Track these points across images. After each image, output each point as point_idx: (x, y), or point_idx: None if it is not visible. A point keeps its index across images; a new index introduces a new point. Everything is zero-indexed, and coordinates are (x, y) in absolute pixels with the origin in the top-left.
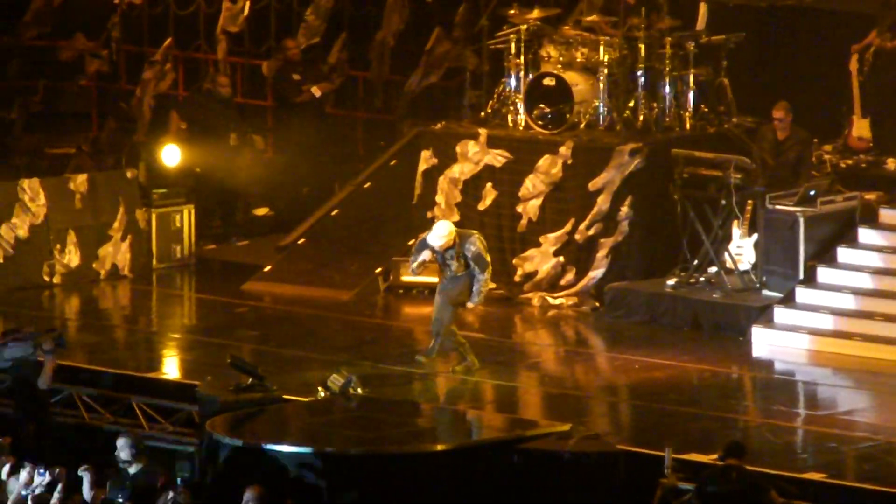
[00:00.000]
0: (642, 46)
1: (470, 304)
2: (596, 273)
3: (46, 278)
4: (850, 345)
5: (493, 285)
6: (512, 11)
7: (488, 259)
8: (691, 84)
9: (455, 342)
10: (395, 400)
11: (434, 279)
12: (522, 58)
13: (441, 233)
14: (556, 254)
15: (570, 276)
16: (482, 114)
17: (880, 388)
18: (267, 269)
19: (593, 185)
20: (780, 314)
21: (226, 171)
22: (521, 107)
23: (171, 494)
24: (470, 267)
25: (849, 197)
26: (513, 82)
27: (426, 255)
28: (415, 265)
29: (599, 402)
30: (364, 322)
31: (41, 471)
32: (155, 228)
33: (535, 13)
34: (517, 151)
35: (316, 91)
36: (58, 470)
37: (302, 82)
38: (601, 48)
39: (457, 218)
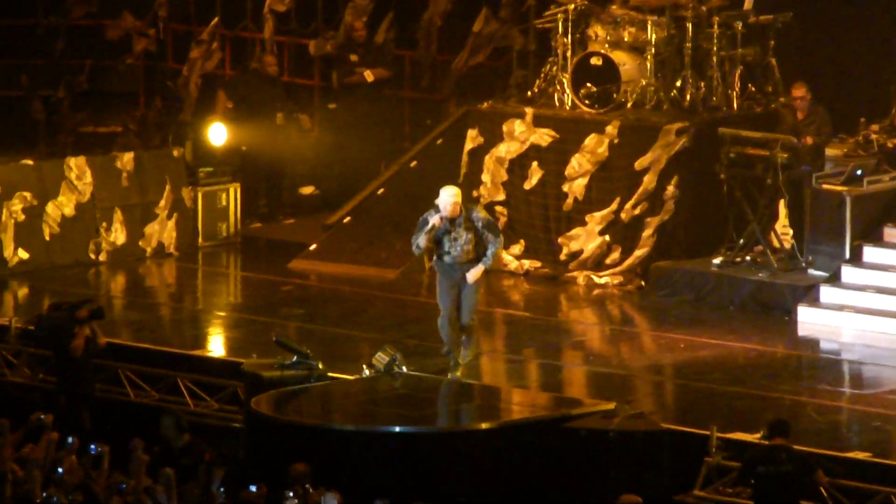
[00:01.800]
0: (690, 26)
1: (476, 271)
2: (641, 252)
3: (93, 256)
4: None
5: (538, 263)
6: None
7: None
8: (739, 64)
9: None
10: (440, 378)
11: None
12: (569, 37)
13: (452, 192)
14: (601, 233)
15: (615, 255)
16: (529, 93)
17: None
18: (313, 247)
19: (639, 164)
20: (826, 293)
21: (272, 149)
22: (567, 86)
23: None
24: (481, 236)
25: None
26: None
27: (434, 220)
28: (420, 240)
29: (644, 381)
30: (409, 300)
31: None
32: (201, 207)
33: None
34: (563, 131)
35: (368, 76)
36: (99, 448)
37: (357, 64)
38: (649, 27)
39: (503, 197)
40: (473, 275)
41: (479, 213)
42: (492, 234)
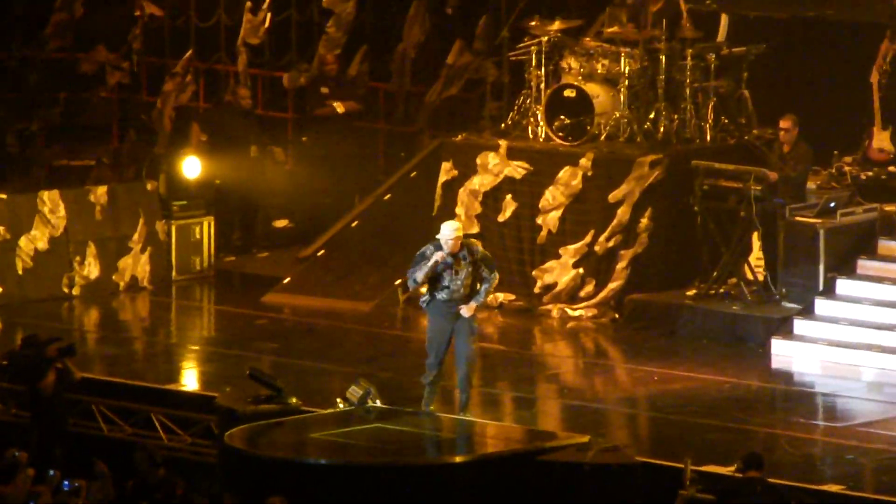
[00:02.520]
0: (663, 58)
1: (473, 304)
2: (615, 285)
3: (66, 290)
4: (870, 356)
5: (511, 296)
6: (533, 23)
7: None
8: (712, 96)
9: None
10: (414, 411)
11: None
12: (543, 69)
13: (454, 227)
14: (575, 265)
15: (589, 288)
16: (503, 125)
17: None
18: (286, 280)
19: (613, 196)
20: (800, 326)
21: (246, 182)
22: (541, 118)
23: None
24: (478, 270)
25: (869, 209)
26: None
27: (437, 256)
28: (418, 275)
29: (618, 414)
30: (383, 334)
31: (65, 483)
32: (175, 240)
33: (556, 25)
34: (537, 163)
35: (339, 108)
36: (77, 483)
37: (328, 97)
38: (622, 59)
39: (477, 230)
40: (469, 308)
41: (478, 248)
42: (487, 269)
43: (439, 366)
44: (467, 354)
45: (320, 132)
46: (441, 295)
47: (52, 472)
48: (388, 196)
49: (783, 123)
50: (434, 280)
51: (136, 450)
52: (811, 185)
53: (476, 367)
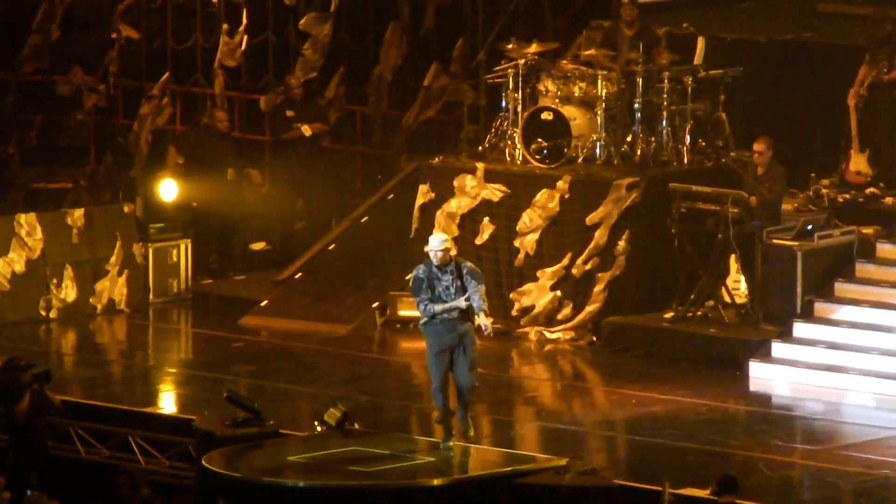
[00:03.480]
0: (640, 81)
1: (487, 319)
2: (593, 307)
3: (43, 313)
4: (848, 379)
5: (489, 319)
6: (510, 46)
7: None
8: (689, 118)
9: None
10: (392, 434)
11: None
12: (520, 92)
13: (440, 238)
14: (553, 288)
15: (567, 311)
16: (480, 148)
17: (877, 423)
18: (264, 303)
19: (591, 219)
20: (778, 348)
21: (223, 205)
22: (518, 141)
23: None
24: (466, 283)
25: (846, 231)
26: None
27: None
28: (437, 307)
29: (596, 437)
30: (361, 356)
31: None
32: (152, 263)
33: (533, 47)
34: (515, 186)
35: (306, 130)
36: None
37: (294, 119)
38: (599, 82)
39: (454, 252)
40: (487, 321)
41: (466, 263)
42: (475, 279)
43: (444, 391)
44: (468, 385)
45: (292, 155)
46: (437, 308)
47: (29, 492)
48: (365, 219)
49: (757, 146)
50: (430, 292)
51: (118, 473)
52: (788, 207)
53: (475, 396)
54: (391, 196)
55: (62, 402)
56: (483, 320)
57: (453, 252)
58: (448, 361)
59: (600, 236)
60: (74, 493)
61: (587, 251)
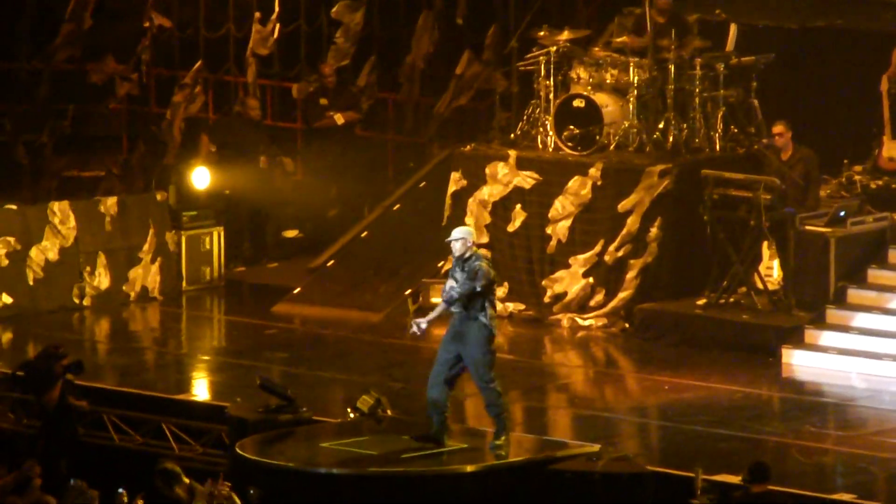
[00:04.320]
0: (672, 67)
1: (420, 320)
2: (625, 294)
3: (76, 301)
4: (881, 365)
5: (521, 306)
6: (542, 33)
7: (489, 276)
8: (721, 105)
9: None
10: (425, 421)
11: None
12: (552, 79)
13: (459, 229)
14: (585, 275)
15: (599, 298)
16: (512, 135)
17: None
18: (297, 290)
19: (623, 206)
20: (811, 335)
21: (255, 193)
22: (550, 128)
23: None
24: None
25: (879, 218)
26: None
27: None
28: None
29: (629, 424)
30: (393, 344)
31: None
32: (185, 251)
33: (565, 35)
34: (547, 173)
35: (339, 118)
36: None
37: (328, 108)
38: (631, 69)
39: (486, 240)
40: (418, 325)
41: (477, 263)
42: (470, 279)
43: (432, 390)
44: (472, 364)
45: (325, 143)
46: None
47: (73, 480)
48: (398, 206)
49: (776, 129)
50: None
51: (156, 472)
52: (821, 193)
53: (496, 401)
54: (423, 184)
55: (94, 389)
56: (422, 319)
57: (476, 248)
58: (445, 360)
59: (632, 223)
60: (108, 480)
61: (619, 238)
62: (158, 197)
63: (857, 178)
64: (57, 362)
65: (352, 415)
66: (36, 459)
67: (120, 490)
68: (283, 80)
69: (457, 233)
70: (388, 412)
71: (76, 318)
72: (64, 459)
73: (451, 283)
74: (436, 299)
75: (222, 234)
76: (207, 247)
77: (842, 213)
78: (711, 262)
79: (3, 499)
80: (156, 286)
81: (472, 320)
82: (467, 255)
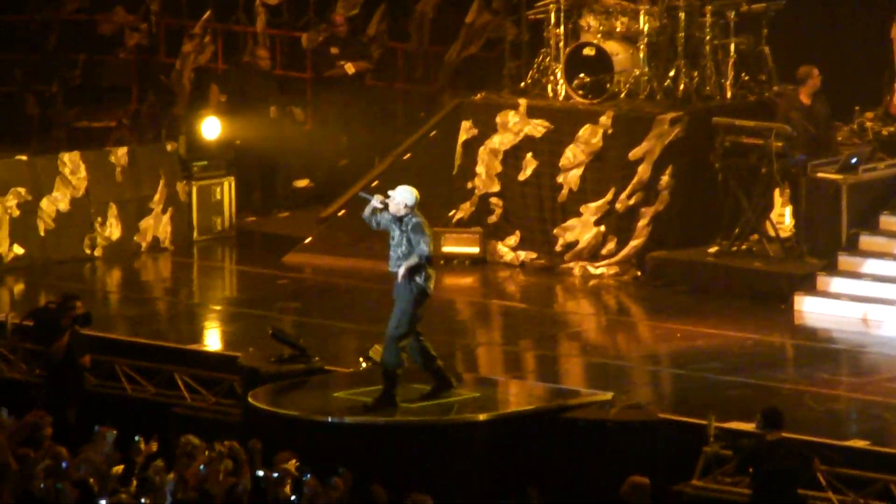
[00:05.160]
0: (682, 15)
1: (402, 268)
2: (637, 242)
3: (88, 251)
4: (893, 311)
5: (533, 255)
6: None
7: (427, 237)
8: (732, 52)
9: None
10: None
11: (468, 248)
12: (562, 28)
13: (396, 191)
14: (596, 223)
15: (611, 246)
16: (522, 84)
17: None
18: (307, 240)
19: (634, 154)
20: (823, 281)
21: (265, 143)
22: (560, 77)
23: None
24: (410, 243)
25: (891, 164)
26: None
27: (375, 200)
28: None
29: (641, 371)
30: None
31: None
32: (195, 201)
33: None
34: (557, 121)
35: (349, 68)
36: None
37: (338, 57)
38: (641, 17)
39: (497, 188)
40: (401, 273)
41: (414, 219)
42: (414, 237)
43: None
44: (385, 348)
45: (335, 93)
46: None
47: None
48: (409, 156)
49: (812, 72)
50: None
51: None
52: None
53: (393, 362)
54: (434, 133)
55: (106, 340)
56: (400, 271)
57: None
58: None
59: (643, 171)
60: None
61: (630, 186)
62: (169, 147)
63: (868, 124)
64: (66, 314)
65: (364, 364)
66: (41, 409)
67: (136, 438)
68: (293, 29)
69: (408, 197)
70: None
71: (87, 269)
72: (72, 409)
73: (394, 245)
74: (447, 248)
75: (233, 183)
76: (218, 197)
77: (854, 160)
78: (723, 209)
79: (15, 450)
80: (167, 236)
81: (402, 280)
82: (403, 214)
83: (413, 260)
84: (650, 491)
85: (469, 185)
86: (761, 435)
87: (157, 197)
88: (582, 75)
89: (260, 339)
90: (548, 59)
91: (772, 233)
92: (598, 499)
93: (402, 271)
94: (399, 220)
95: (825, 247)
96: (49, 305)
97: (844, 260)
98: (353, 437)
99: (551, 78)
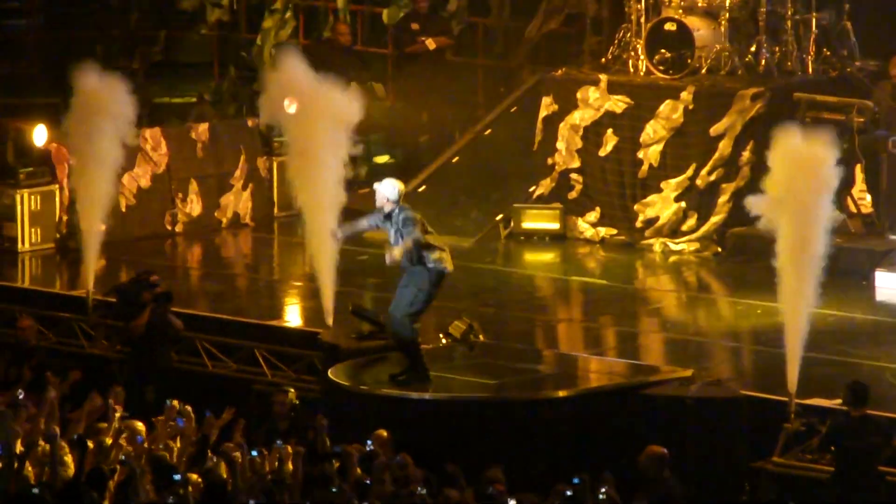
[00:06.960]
0: None
1: (395, 252)
2: (718, 218)
3: (168, 227)
4: None
5: (613, 231)
6: None
7: (416, 231)
8: (813, 27)
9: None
10: (517, 346)
11: (548, 224)
12: (643, 3)
13: (397, 189)
14: (677, 199)
15: (691, 222)
16: (602, 60)
17: None
18: None
19: (715, 130)
20: None
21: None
22: (641, 52)
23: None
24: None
25: None
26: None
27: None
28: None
29: (722, 348)
30: (485, 269)
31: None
32: (276, 177)
33: None
34: (638, 97)
35: (430, 44)
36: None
37: (419, 33)
38: None
39: (577, 164)
40: (390, 257)
41: (405, 214)
42: (405, 228)
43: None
44: (392, 320)
45: (415, 69)
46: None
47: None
48: (489, 131)
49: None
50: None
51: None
52: None
53: (399, 326)
54: (514, 109)
55: (187, 316)
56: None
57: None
58: None
59: (724, 147)
60: (202, 406)
61: (711, 162)
62: (249, 123)
63: None
64: (146, 290)
65: (444, 340)
66: (122, 386)
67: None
68: (374, 5)
69: (389, 191)
70: (480, 337)
71: (168, 245)
72: (150, 386)
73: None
74: (527, 224)
75: None
76: None
77: None
78: None
79: (93, 425)
80: (247, 212)
81: (415, 266)
82: (390, 210)
83: (407, 243)
84: (668, 461)
85: (549, 160)
86: (846, 411)
87: (237, 173)
88: (663, 51)
89: (340, 315)
90: (629, 34)
91: (853, 209)
92: (679, 476)
93: (397, 250)
94: (388, 217)
95: None
96: (133, 281)
97: None
98: (433, 414)
99: (632, 53)
